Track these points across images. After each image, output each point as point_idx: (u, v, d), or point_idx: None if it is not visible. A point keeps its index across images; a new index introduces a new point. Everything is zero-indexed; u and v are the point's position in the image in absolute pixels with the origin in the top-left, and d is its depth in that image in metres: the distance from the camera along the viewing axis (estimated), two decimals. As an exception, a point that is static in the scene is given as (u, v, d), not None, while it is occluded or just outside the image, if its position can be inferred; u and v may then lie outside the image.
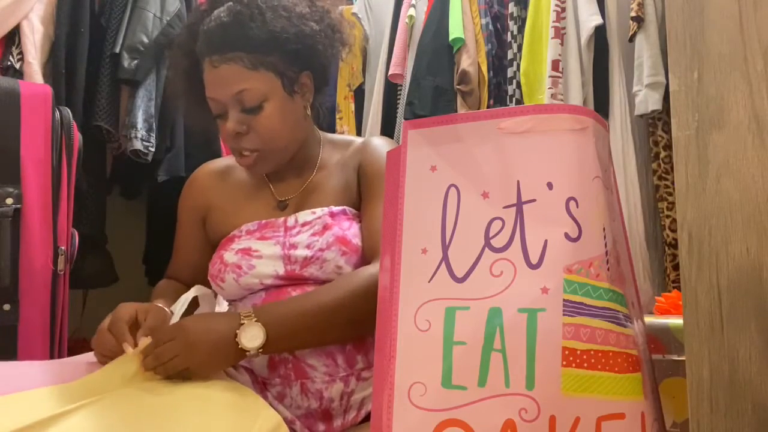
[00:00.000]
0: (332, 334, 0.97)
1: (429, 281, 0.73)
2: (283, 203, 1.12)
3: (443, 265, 0.73)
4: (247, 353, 0.89)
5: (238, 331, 0.88)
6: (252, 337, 0.88)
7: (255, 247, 1.04)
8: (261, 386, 1.01)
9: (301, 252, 1.02)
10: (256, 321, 0.89)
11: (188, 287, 1.09)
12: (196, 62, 1.09)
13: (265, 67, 1.04)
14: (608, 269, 0.71)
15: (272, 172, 1.14)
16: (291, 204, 1.12)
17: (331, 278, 1.01)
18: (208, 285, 1.11)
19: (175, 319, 1.02)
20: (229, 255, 1.05)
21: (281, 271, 1.02)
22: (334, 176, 1.12)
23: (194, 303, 1.07)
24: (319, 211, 1.06)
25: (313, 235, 1.03)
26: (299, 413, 1.00)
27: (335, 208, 1.07)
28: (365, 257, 1.03)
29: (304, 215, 1.06)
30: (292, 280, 1.02)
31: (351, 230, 1.04)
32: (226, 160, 1.24)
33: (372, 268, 0.96)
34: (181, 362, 0.85)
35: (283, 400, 1.00)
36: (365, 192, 1.08)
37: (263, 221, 1.08)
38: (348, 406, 1.01)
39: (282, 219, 1.07)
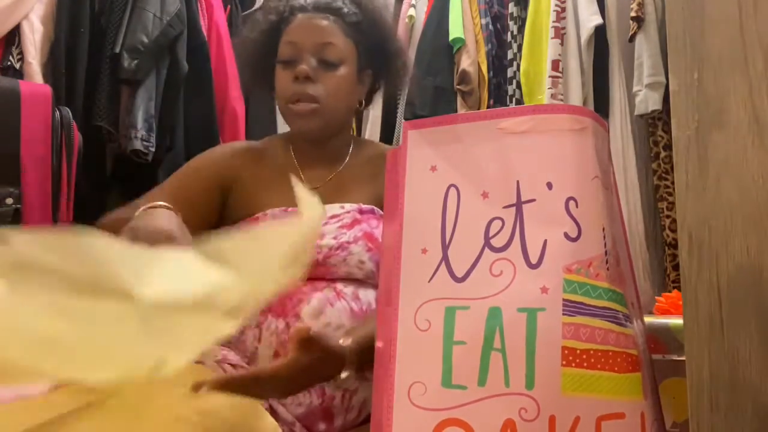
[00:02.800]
0: None
1: (429, 281, 0.73)
2: (311, 189, 1.12)
3: (443, 264, 0.73)
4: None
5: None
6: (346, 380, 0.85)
7: None
8: None
9: (327, 242, 1.02)
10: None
11: None
12: (282, 20, 1.13)
13: (353, 40, 1.11)
14: (608, 269, 0.71)
15: (302, 158, 1.15)
16: (319, 194, 1.11)
17: (352, 272, 1.01)
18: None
19: None
20: None
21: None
22: (363, 176, 1.14)
23: None
24: (348, 206, 1.07)
25: (342, 227, 1.04)
26: (300, 411, 1.00)
27: (365, 206, 1.08)
28: None
29: (333, 208, 1.07)
30: (314, 269, 1.01)
31: (378, 229, 1.05)
32: (258, 144, 1.23)
33: None
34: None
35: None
36: None
37: (289, 209, 1.07)
38: (349, 405, 1.00)
39: None
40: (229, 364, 1.00)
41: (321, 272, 1.02)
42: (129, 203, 1.24)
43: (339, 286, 1.02)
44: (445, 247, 0.74)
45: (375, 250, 1.03)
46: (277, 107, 2.29)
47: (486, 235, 0.73)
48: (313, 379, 0.84)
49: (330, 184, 1.13)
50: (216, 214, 1.14)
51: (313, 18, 1.10)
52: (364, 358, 0.84)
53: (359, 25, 1.13)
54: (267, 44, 1.15)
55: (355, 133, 2.45)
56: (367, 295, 1.03)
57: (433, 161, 0.77)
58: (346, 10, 1.12)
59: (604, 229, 0.72)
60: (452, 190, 0.76)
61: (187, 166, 1.18)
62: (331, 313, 0.99)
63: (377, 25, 1.16)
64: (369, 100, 1.25)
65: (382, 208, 1.08)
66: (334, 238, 1.03)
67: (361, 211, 1.07)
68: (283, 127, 1.94)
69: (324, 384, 0.98)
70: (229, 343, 1.03)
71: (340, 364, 0.83)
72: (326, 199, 1.09)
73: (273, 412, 0.93)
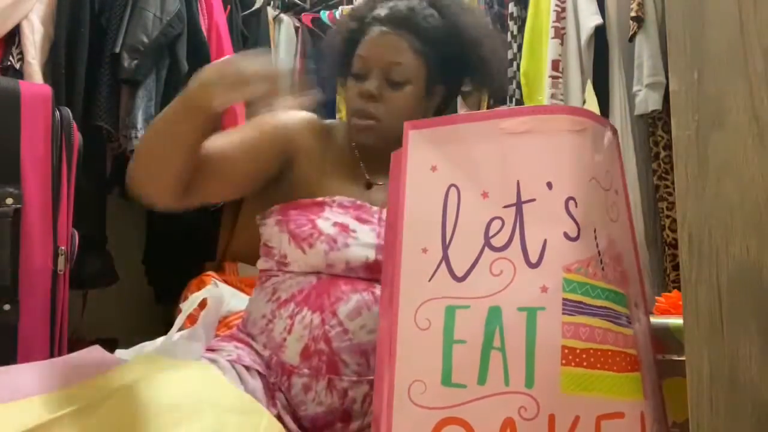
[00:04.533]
0: None
1: (429, 280, 0.73)
2: (371, 183, 1.13)
3: (443, 264, 0.73)
4: None
5: None
6: None
7: (353, 226, 1.04)
8: (270, 392, 1.01)
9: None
10: None
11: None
12: (360, 28, 1.13)
13: (424, 58, 1.09)
14: (603, 269, 0.71)
15: (363, 150, 1.15)
16: (377, 191, 1.12)
17: None
18: (218, 264, 1.09)
19: (181, 319, 1.02)
20: (326, 224, 1.03)
21: (371, 258, 1.01)
22: None
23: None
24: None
25: None
26: (320, 410, 0.99)
27: None
28: None
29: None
30: (375, 272, 1.00)
31: None
32: (327, 123, 1.22)
33: None
34: None
35: (308, 393, 0.99)
36: None
37: (358, 202, 1.07)
38: (369, 409, 1.00)
39: (376, 209, 1.07)
40: (242, 365, 0.99)
41: (369, 273, 1.02)
42: (130, 201, 1.24)
43: (378, 291, 1.00)
44: (445, 247, 0.74)
45: None
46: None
47: (486, 234, 0.73)
48: None
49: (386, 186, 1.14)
50: (276, 171, 1.12)
51: (386, 34, 1.09)
52: None
53: (436, 37, 1.10)
54: (344, 53, 1.16)
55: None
56: None
57: (433, 161, 0.78)
58: (422, 24, 1.10)
59: (595, 231, 0.72)
60: (453, 190, 0.76)
61: (259, 119, 1.15)
62: (368, 316, 0.99)
63: (458, 35, 1.12)
64: (447, 106, 1.23)
65: None
66: None
67: None
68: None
69: (347, 388, 0.98)
70: (257, 332, 1.04)
71: None
72: (386, 198, 1.10)
73: (280, 420, 0.93)
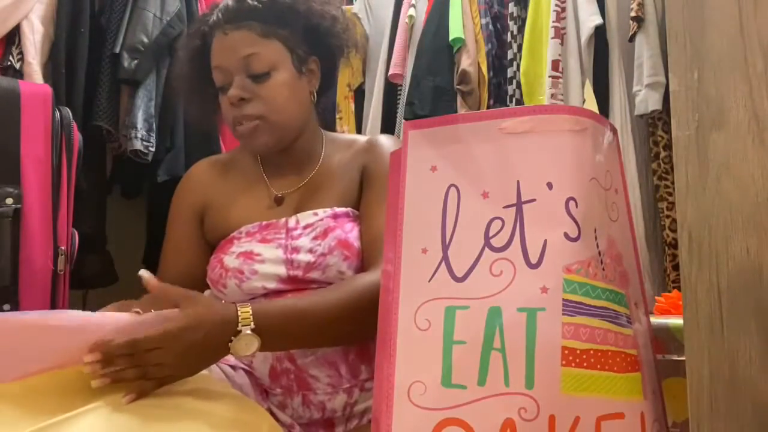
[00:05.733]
0: (327, 338, 0.94)
1: (429, 281, 0.73)
2: (280, 198, 1.09)
3: (443, 264, 0.73)
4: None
5: (233, 339, 0.82)
6: (246, 345, 0.83)
7: (257, 250, 1.01)
8: (261, 389, 1.01)
9: (304, 257, 1.00)
10: (251, 329, 0.83)
11: None
12: (206, 43, 1.08)
13: (276, 38, 1.05)
14: (603, 269, 0.71)
15: (270, 167, 1.12)
16: (290, 201, 1.08)
17: (333, 282, 0.99)
18: (201, 290, 1.07)
19: None
20: (230, 259, 1.02)
21: (284, 274, 1.00)
22: (337, 176, 1.09)
23: None
24: (321, 212, 1.03)
25: (315, 238, 1.01)
26: (301, 422, 0.99)
27: (339, 210, 1.04)
28: (363, 262, 1.00)
29: (306, 217, 1.04)
30: (294, 284, 1.00)
31: (353, 233, 1.02)
32: (225, 156, 1.21)
33: (370, 276, 0.93)
34: (164, 371, 0.79)
35: (285, 409, 0.99)
36: (368, 194, 1.05)
37: (264, 222, 1.05)
38: (351, 414, 1.00)
39: (283, 220, 1.04)
40: (228, 364, 1.00)
41: (301, 286, 1.00)
42: (130, 201, 1.24)
43: None
44: (445, 247, 0.73)
45: (351, 257, 1.00)
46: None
47: (486, 235, 0.73)
48: (198, 335, 0.79)
49: (302, 190, 1.09)
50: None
51: (229, 34, 1.04)
52: (267, 326, 0.83)
53: (279, 17, 1.06)
54: (201, 71, 1.11)
55: (355, 133, 2.45)
56: None
57: (433, 161, 0.77)
58: (256, 6, 1.05)
59: (595, 231, 0.72)
60: (452, 190, 0.75)
61: (171, 215, 1.17)
62: None
63: (297, 7, 1.07)
64: (329, 84, 1.19)
65: (356, 199, 1.06)
66: (310, 251, 1.00)
67: (335, 216, 1.03)
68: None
69: (324, 400, 0.97)
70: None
71: (222, 318, 0.82)
72: (299, 207, 1.06)
73: (272, 415, 0.93)
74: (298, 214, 1.05)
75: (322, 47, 1.11)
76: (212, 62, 1.06)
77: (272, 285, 1.00)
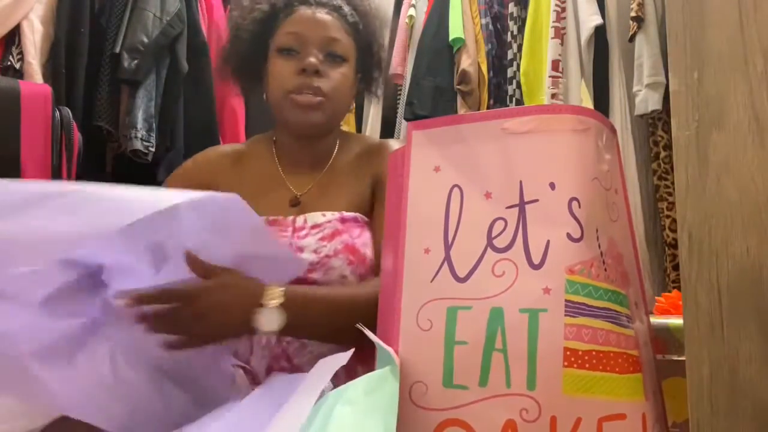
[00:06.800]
0: (349, 333, 0.93)
1: (431, 281, 0.72)
2: (297, 200, 1.08)
3: (445, 265, 0.73)
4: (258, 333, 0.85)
5: (257, 312, 0.82)
6: (270, 321, 0.82)
7: None
8: (255, 382, 1.01)
9: (307, 256, 0.99)
10: (279, 305, 0.84)
11: None
12: (280, 8, 1.10)
13: (353, 38, 1.10)
14: (605, 270, 0.71)
15: (287, 163, 1.11)
16: (303, 201, 1.08)
17: (333, 286, 0.98)
18: None
19: None
20: None
21: None
22: (347, 178, 1.09)
23: None
24: (329, 214, 1.02)
25: (322, 239, 1.00)
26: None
27: (347, 214, 1.03)
28: (375, 269, 0.99)
29: (314, 217, 1.03)
30: (301, 280, 0.98)
31: (360, 239, 1.01)
32: (237, 147, 1.18)
33: None
34: (182, 330, 0.80)
35: None
36: (382, 206, 1.03)
37: (271, 218, 1.04)
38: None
39: (290, 218, 1.03)
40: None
41: (304, 284, 0.98)
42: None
43: None
44: (447, 248, 0.73)
45: (356, 263, 0.99)
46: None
47: (489, 235, 0.72)
48: (225, 301, 0.81)
49: (313, 191, 1.08)
50: None
51: (318, 11, 1.07)
52: (295, 305, 0.85)
53: (356, 26, 1.11)
54: (260, 34, 1.11)
55: (355, 131, 2.45)
56: None
57: (436, 161, 0.77)
58: (345, 9, 1.10)
59: (597, 231, 0.72)
60: (455, 191, 0.75)
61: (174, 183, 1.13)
62: None
63: (371, 31, 1.14)
64: (360, 99, 1.25)
65: (366, 210, 1.06)
66: (315, 251, 0.99)
67: (342, 220, 1.02)
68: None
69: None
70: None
71: (249, 291, 0.83)
72: (309, 207, 1.06)
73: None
74: (306, 214, 1.04)
75: (367, 72, 1.17)
76: (289, 27, 1.07)
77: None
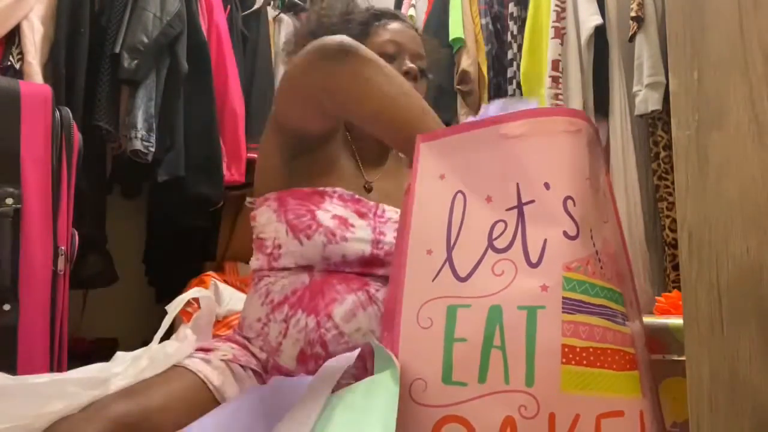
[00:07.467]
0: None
1: (432, 280, 0.73)
2: (369, 187, 1.14)
3: (447, 265, 0.73)
4: None
5: None
6: None
7: (352, 220, 1.02)
8: None
9: (390, 239, 1.03)
10: None
11: None
12: (368, 26, 1.17)
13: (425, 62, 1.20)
14: (601, 267, 0.72)
15: (359, 149, 1.17)
16: (374, 189, 1.14)
17: None
18: (218, 264, 1.07)
19: (168, 319, 1.01)
20: (325, 216, 1.01)
21: (367, 253, 1.01)
22: (401, 179, 1.16)
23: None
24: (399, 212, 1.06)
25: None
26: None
27: None
28: None
29: (391, 212, 1.08)
30: (370, 266, 1.01)
31: None
32: None
33: None
34: None
35: None
36: None
37: (357, 196, 1.07)
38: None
39: (373, 204, 1.07)
40: (238, 364, 0.99)
41: (364, 268, 1.01)
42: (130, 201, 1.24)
43: (372, 289, 1.00)
44: (449, 249, 0.74)
45: None
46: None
47: (490, 237, 0.74)
48: None
49: (382, 182, 1.15)
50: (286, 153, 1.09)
51: (409, 28, 1.18)
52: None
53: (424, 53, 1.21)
54: (357, 35, 1.12)
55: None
56: None
57: (441, 170, 0.79)
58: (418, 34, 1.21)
59: (591, 230, 0.73)
60: (459, 196, 0.77)
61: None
62: (363, 318, 0.97)
63: (432, 60, 1.23)
64: None
65: None
66: (394, 238, 1.01)
67: None
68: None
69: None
70: (254, 336, 1.02)
71: None
72: (379, 196, 1.11)
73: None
74: (384, 205, 1.08)
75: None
76: (388, 36, 1.15)
77: (353, 257, 1.00)
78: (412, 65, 1.13)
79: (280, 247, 1.02)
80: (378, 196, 1.11)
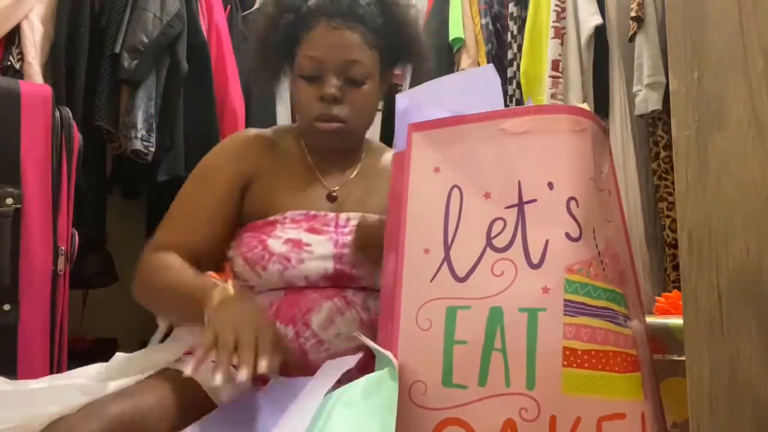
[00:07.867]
0: None
1: (431, 281, 0.73)
2: (334, 196, 1.09)
3: (445, 264, 0.73)
4: None
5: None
6: None
7: (306, 240, 1.00)
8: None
9: (354, 253, 1.00)
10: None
11: (196, 266, 1.02)
12: (300, 21, 1.07)
13: (377, 50, 1.07)
14: (603, 269, 0.71)
15: (318, 160, 1.12)
16: (339, 197, 1.09)
17: (376, 282, 0.97)
18: (216, 264, 1.05)
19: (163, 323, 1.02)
20: (276, 244, 1.00)
21: (330, 269, 0.99)
22: (379, 182, 1.09)
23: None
24: (370, 217, 1.03)
25: None
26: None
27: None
28: None
29: (357, 217, 1.04)
30: (336, 281, 1.00)
31: None
32: (267, 132, 1.17)
33: None
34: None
35: None
36: None
37: (311, 213, 1.04)
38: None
39: (333, 215, 1.04)
40: (232, 365, 0.99)
41: (342, 283, 1.00)
42: (129, 201, 1.24)
43: (348, 294, 1.00)
44: (447, 248, 0.73)
45: None
46: (276, 107, 2.28)
47: (488, 235, 0.73)
48: None
49: (348, 188, 1.11)
50: (239, 213, 1.09)
51: (338, 30, 1.03)
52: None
53: (382, 28, 1.07)
54: (283, 46, 1.10)
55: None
56: (376, 304, 1.00)
57: (436, 162, 0.77)
58: (368, 12, 1.06)
59: (594, 231, 0.72)
60: (455, 191, 0.76)
61: (211, 174, 1.10)
62: (341, 323, 0.97)
63: (400, 25, 1.10)
64: (392, 93, 1.22)
65: None
66: None
67: None
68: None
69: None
70: None
71: None
72: (346, 205, 1.08)
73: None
74: (348, 213, 1.05)
75: (403, 63, 1.16)
76: (309, 50, 1.05)
77: (315, 278, 1.00)
78: (328, 91, 1.03)
79: (246, 280, 1.02)
80: (345, 205, 1.08)
